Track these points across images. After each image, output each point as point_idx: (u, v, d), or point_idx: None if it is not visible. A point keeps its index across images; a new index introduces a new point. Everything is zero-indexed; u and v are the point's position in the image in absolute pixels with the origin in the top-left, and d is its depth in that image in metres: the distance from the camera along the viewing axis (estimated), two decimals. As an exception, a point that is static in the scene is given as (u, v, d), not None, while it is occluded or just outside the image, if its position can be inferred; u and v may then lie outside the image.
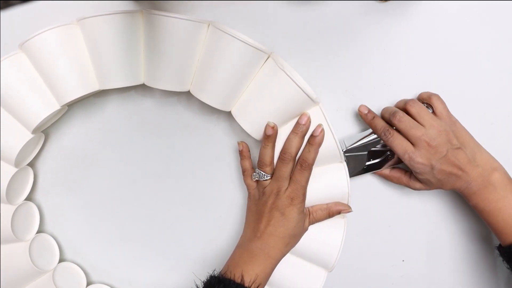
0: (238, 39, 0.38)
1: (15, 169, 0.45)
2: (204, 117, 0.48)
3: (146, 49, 0.41)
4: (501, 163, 0.45)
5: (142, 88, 0.47)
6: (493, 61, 0.43)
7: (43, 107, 0.43)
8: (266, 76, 0.41)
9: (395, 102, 0.44)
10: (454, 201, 0.47)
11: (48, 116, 0.43)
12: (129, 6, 0.43)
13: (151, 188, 0.51)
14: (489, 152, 0.41)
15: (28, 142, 0.44)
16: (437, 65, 0.44)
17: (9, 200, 0.46)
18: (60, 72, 0.41)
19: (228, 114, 0.44)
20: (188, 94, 0.44)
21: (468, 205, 0.43)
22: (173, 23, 0.38)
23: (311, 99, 0.40)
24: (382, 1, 0.42)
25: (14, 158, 0.43)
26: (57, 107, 0.43)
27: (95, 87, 0.43)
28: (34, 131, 0.44)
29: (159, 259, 0.53)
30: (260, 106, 0.42)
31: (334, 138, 0.42)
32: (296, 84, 0.39)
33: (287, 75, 0.39)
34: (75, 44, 0.41)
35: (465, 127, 0.43)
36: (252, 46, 0.38)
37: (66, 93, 0.42)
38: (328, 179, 0.44)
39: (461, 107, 0.44)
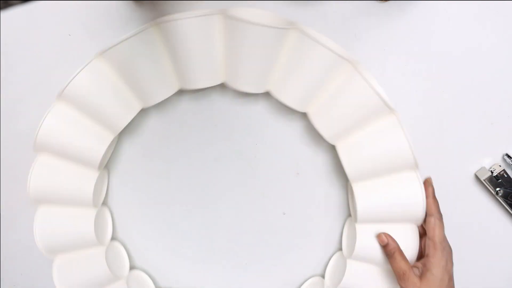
0: (323, 45, 0.38)
1: (95, 209, 0.46)
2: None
3: (226, 51, 0.41)
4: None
5: (219, 88, 0.46)
6: (493, 61, 0.43)
7: (98, 143, 0.43)
8: (344, 81, 0.40)
9: (394, 103, 0.44)
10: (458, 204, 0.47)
11: (107, 151, 0.44)
12: (130, 5, 0.43)
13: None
14: None
15: (97, 181, 0.45)
16: (437, 65, 0.44)
17: (99, 240, 0.46)
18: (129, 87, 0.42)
19: (302, 117, 0.45)
20: (264, 95, 0.45)
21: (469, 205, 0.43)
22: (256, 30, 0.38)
23: (388, 106, 0.40)
24: (382, 1, 0.42)
25: (92, 198, 0.44)
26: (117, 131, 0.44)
27: (175, 88, 0.44)
28: (99, 167, 0.44)
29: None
30: (335, 109, 0.42)
31: (408, 143, 0.40)
32: (374, 89, 0.39)
33: (366, 80, 0.39)
34: (154, 47, 0.41)
35: (465, 129, 0.43)
36: (335, 53, 0.38)
37: (120, 119, 0.43)
38: (401, 189, 0.43)
39: (461, 107, 0.45)
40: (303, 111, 0.43)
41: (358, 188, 0.43)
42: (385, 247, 0.42)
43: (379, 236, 0.43)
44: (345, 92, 0.41)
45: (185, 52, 0.40)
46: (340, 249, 0.49)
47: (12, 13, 0.44)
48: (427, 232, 0.41)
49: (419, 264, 0.42)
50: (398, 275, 0.41)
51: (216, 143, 0.48)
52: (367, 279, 0.45)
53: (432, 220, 0.41)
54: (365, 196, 0.43)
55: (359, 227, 0.44)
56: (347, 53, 0.39)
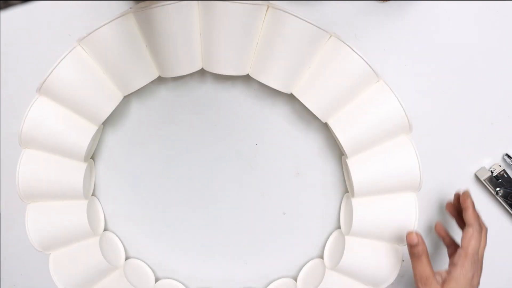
0: (300, 18, 0.37)
1: (86, 200, 0.46)
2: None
3: (203, 35, 0.40)
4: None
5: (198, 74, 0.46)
6: (493, 61, 0.43)
7: (83, 135, 0.43)
8: (329, 54, 0.40)
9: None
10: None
11: (92, 139, 0.44)
12: (130, 6, 0.43)
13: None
14: None
15: (85, 172, 0.45)
16: (437, 65, 0.44)
17: (93, 231, 0.47)
18: (120, 66, 0.42)
19: (288, 98, 0.44)
20: (243, 78, 0.44)
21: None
22: (230, 8, 0.38)
23: (374, 72, 0.39)
24: (382, 1, 0.42)
25: (82, 189, 0.44)
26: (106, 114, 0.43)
27: (153, 75, 0.43)
28: (85, 159, 0.45)
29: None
30: (322, 83, 0.41)
31: (400, 103, 0.40)
32: (361, 57, 0.38)
33: (353, 50, 0.38)
34: (133, 37, 0.41)
35: (465, 129, 0.43)
36: (313, 24, 0.38)
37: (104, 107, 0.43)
38: (395, 158, 0.42)
39: (461, 107, 0.45)
40: (288, 92, 0.42)
41: (353, 162, 0.43)
42: (413, 247, 0.40)
43: (409, 235, 0.40)
44: (329, 63, 0.40)
45: (162, 39, 0.40)
46: (338, 227, 0.50)
47: (12, 13, 0.44)
48: (462, 241, 0.39)
49: (443, 272, 0.40)
50: (420, 279, 0.39)
51: (216, 143, 0.48)
52: (367, 255, 0.45)
53: (470, 231, 0.39)
54: (360, 168, 0.42)
55: (355, 201, 0.44)
56: (325, 25, 0.39)
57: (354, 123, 0.42)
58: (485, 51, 0.43)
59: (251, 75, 0.42)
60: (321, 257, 0.50)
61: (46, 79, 0.40)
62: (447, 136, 0.45)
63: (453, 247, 0.43)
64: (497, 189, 0.45)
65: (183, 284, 0.53)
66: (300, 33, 0.38)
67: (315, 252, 0.51)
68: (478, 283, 0.39)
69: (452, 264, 0.39)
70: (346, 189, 0.48)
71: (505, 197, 0.45)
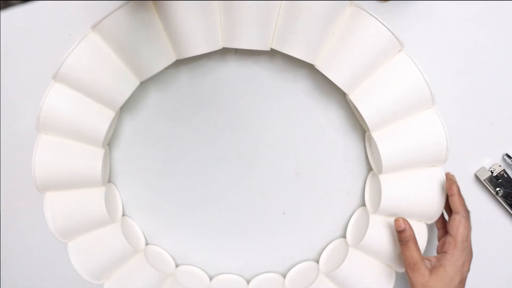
0: (381, 22, 0.37)
1: (104, 188, 0.46)
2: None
3: (224, 11, 0.40)
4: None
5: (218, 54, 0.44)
6: (493, 61, 0.43)
7: (101, 120, 0.43)
8: (349, 21, 0.39)
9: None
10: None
11: (110, 128, 0.44)
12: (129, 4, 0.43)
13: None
14: None
15: (103, 160, 0.45)
16: (437, 65, 0.44)
17: (111, 217, 0.46)
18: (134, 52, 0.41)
19: (307, 75, 0.45)
20: (267, 56, 0.44)
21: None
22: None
23: (398, 41, 0.39)
24: (382, 1, 0.42)
25: (100, 175, 0.44)
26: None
27: (171, 58, 0.42)
28: (103, 144, 0.44)
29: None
30: (345, 53, 0.40)
31: (422, 75, 0.40)
32: (382, 23, 0.38)
33: (372, 15, 0.38)
34: (149, 19, 0.40)
35: (465, 129, 0.43)
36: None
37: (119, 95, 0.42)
38: (421, 131, 0.41)
39: (461, 107, 0.45)
40: (311, 62, 0.41)
41: (378, 137, 0.41)
42: (400, 233, 0.41)
43: (396, 221, 0.41)
44: (352, 32, 0.39)
45: (181, 16, 0.39)
46: (339, 229, 0.50)
47: (12, 13, 0.44)
48: (449, 230, 0.40)
49: (433, 258, 0.40)
50: (408, 264, 0.40)
51: (216, 143, 0.48)
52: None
53: (458, 218, 0.39)
54: (387, 142, 0.41)
55: (383, 178, 0.43)
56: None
57: (375, 96, 0.41)
58: (485, 51, 0.43)
59: (275, 48, 0.41)
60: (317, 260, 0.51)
61: (61, 66, 0.40)
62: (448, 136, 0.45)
63: (443, 230, 0.43)
64: (497, 189, 0.45)
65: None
66: (321, 4, 0.38)
67: (314, 253, 0.51)
68: (468, 270, 0.40)
69: (442, 251, 0.40)
70: (347, 188, 0.48)
71: (505, 197, 0.45)
